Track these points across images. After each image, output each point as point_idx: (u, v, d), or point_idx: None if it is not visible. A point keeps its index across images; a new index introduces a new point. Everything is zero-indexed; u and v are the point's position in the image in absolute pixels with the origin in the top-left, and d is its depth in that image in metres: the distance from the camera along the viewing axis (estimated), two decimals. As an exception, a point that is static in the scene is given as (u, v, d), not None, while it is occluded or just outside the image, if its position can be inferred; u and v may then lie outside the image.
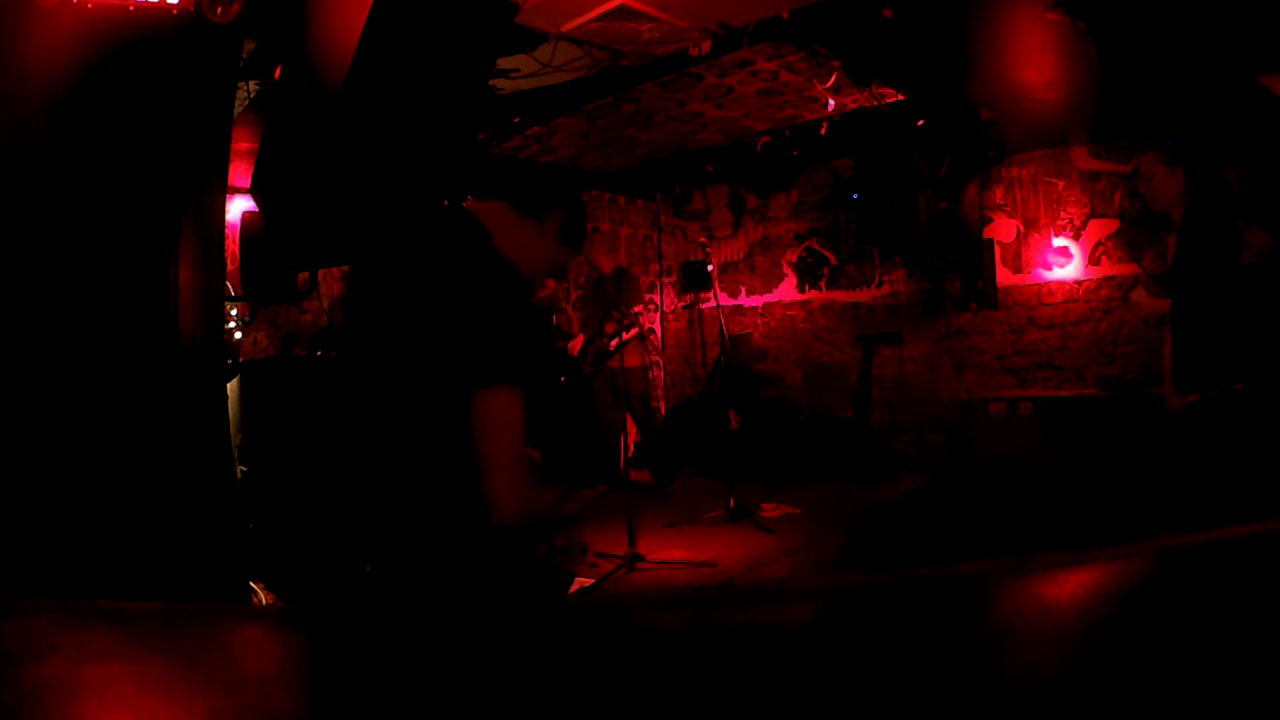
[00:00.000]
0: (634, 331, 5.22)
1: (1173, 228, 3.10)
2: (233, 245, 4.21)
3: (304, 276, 4.44)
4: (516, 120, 5.13)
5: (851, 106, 5.49)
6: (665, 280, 8.12)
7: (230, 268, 4.05)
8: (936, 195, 5.95)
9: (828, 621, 0.46)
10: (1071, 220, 5.99)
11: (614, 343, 5.56)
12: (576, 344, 5.79)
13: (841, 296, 7.06)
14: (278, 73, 3.01)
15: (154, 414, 2.60)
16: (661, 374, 8.02)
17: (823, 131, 5.75)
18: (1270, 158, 4.24)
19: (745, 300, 7.59)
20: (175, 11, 2.55)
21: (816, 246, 7.20)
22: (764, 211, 7.49)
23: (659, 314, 8.07)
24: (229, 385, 3.30)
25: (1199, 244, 2.97)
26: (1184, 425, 2.99)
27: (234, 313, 4.53)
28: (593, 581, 3.58)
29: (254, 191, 2.88)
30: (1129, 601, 0.44)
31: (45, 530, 2.37)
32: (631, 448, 5.60)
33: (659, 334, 8.05)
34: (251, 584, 2.97)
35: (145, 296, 2.68)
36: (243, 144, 3.93)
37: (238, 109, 3.60)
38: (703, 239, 6.34)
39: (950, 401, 6.31)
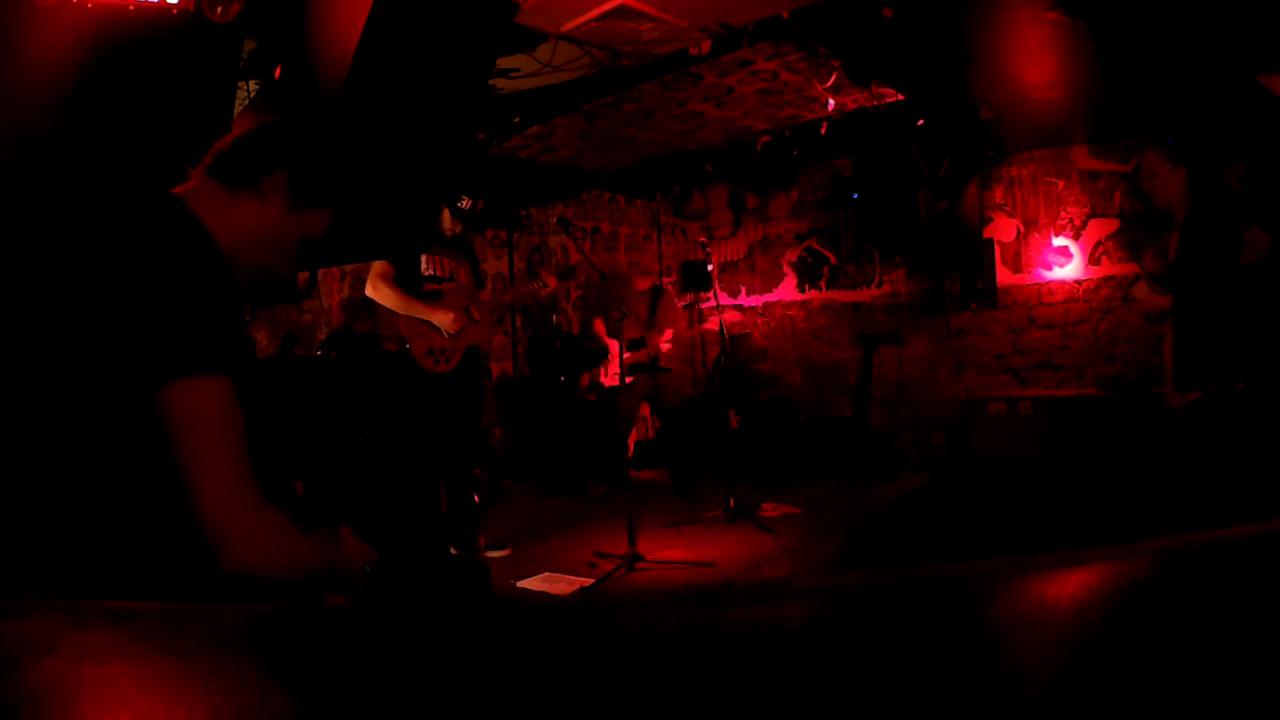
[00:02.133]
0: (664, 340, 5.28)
1: (1175, 226, 3.10)
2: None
3: (304, 276, 4.44)
4: (516, 120, 5.13)
5: (851, 106, 5.49)
6: (665, 280, 8.12)
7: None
8: (936, 195, 5.96)
9: (827, 621, 0.46)
10: (1071, 220, 5.99)
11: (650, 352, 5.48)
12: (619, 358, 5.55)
13: (841, 296, 7.06)
14: (278, 73, 3.02)
15: (154, 413, 2.60)
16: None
17: (823, 131, 5.75)
18: (1270, 158, 4.25)
19: (745, 300, 7.60)
20: (175, 11, 2.55)
21: (816, 246, 7.20)
22: (764, 211, 7.49)
23: (659, 314, 8.08)
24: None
25: (1201, 243, 2.97)
26: (1184, 423, 3.00)
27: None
28: (593, 581, 3.58)
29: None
30: (1129, 601, 0.44)
31: (45, 528, 2.37)
32: (631, 448, 5.58)
33: (659, 334, 8.06)
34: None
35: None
36: (243, 144, 3.93)
37: (238, 109, 3.60)
38: (703, 239, 6.35)
39: (950, 401, 6.31)
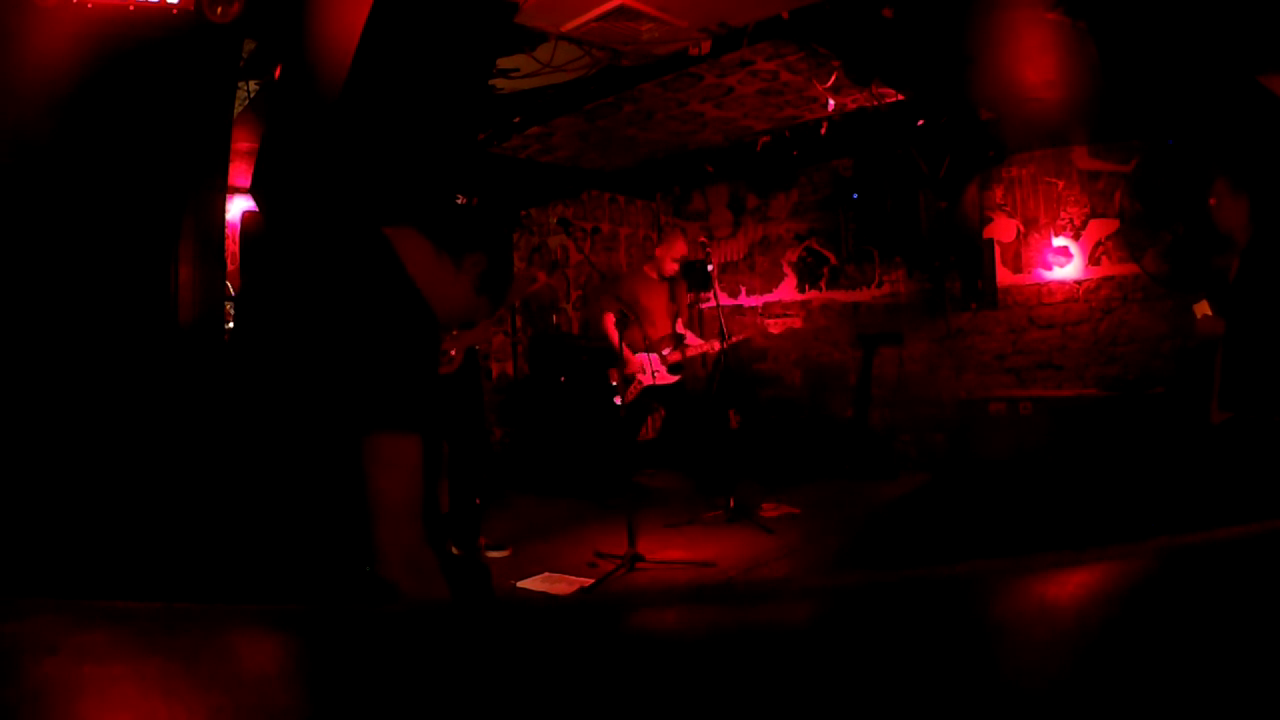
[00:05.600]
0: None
1: (1235, 250, 3.26)
2: (233, 245, 4.21)
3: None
4: (516, 120, 5.13)
5: (851, 106, 5.48)
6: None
7: (230, 267, 4.05)
8: (936, 195, 5.95)
9: (828, 621, 0.46)
10: (1071, 220, 5.99)
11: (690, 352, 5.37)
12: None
13: (841, 296, 7.06)
14: (278, 73, 3.01)
15: (154, 411, 2.60)
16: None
17: (823, 131, 5.75)
18: (1270, 158, 4.25)
19: (745, 300, 7.60)
20: (175, 11, 2.55)
21: (816, 246, 7.20)
22: (764, 211, 7.49)
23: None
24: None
25: (1263, 270, 3.09)
26: (1221, 440, 3.08)
27: (234, 311, 4.52)
28: (593, 581, 3.58)
29: (254, 191, 2.88)
30: (1129, 601, 0.44)
31: (47, 523, 2.37)
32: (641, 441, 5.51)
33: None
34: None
35: (146, 295, 2.68)
36: (243, 144, 3.93)
37: (238, 109, 3.60)
38: (703, 239, 6.34)
39: (950, 401, 6.31)
